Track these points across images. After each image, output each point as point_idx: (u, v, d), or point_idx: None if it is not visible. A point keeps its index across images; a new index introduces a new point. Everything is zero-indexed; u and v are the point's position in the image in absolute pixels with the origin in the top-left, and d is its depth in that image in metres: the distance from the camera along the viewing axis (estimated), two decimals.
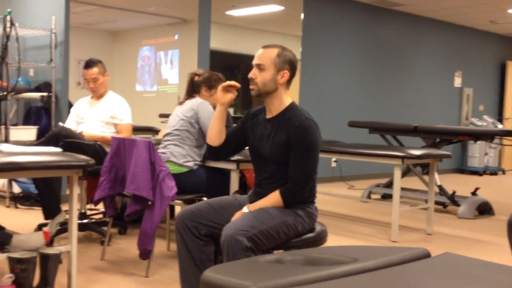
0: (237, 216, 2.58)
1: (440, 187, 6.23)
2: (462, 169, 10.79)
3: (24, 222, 4.86)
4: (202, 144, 3.81)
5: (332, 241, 3.92)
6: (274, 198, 2.62)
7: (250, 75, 2.68)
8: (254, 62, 2.69)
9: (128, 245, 4.24)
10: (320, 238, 2.71)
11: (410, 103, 9.85)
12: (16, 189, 5.62)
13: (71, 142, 4.00)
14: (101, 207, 4.37)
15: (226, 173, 3.79)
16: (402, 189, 5.87)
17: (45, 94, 5.79)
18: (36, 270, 2.89)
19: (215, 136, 2.84)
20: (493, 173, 10.74)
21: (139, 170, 3.40)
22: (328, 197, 6.73)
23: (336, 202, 6.69)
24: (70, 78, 6.04)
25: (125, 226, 4.60)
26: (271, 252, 2.55)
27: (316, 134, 2.62)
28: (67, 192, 3.02)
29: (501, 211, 6.32)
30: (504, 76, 11.69)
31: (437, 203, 5.97)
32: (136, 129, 5.46)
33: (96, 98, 4.56)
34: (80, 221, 4.30)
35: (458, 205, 6.04)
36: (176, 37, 7.75)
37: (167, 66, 7.68)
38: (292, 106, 2.71)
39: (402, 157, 4.64)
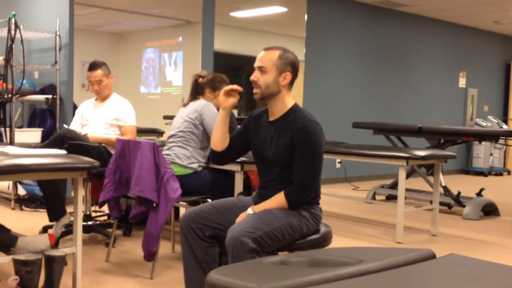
0: (241, 217, 2.58)
1: (445, 188, 6.22)
2: (467, 170, 10.76)
3: (29, 224, 4.87)
4: (206, 146, 3.81)
5: (336, 242, 3.92)
6: (278, 199, 2.62)
7: (252, 77, 2.67)
8: (256, 64, 2.68)
9: (133, 247, 4.25)
10: (325, 240, 2.71)
11: (415, 103, 9.83)
12: (21, 191, 5.64)
13: (75, 144, 4.01)
14: (105, 209, 4.39)
15: (230, 175, 3.79)
16: (407, 190, 5.86)
17: (49, 96, 5.80)
18: (41, 272, 2.90)
19: (219, 140, 2.83)
20: (498, 173, 10.71)
21: (144, 172, 3.40)
22: (333, 198, 6.72)
23: (341, 203, 6.68)
24: (75, 80, 6.06)
25: (130, 228, 4.60)
26: (276, 253, 2.55)
27: (320, 135, 2.62)
28: (72, 194, 3.03)
29: (507, 211, 6.30)
30: (509, 76, 11.66)
31: (442, 204, 5.96)
32: (141, 131, 5.46)
33: (101, 100, 4.56)
34: (85, 223, 4.32)
35: (463, 206, 6.03)
36: (180, 39, 7.76)
37: (171, 68, 7.69)
38: (294, 107, 2.70)
39: (407, 158, 4.63)
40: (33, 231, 4.32)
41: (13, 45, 5.19)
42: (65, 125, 4.81)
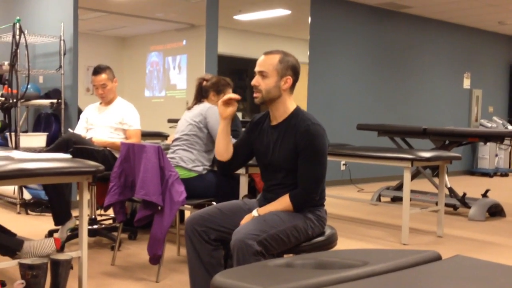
0: (246, 219, 2.57)
1: (450, 189, 6.20)
2: (473, 171, 10.73)
3: (35, 228, 4.88)
4: (211, 149, 3.82)
5: (342, 244, 3.91)
6: (283, 202, 2.61)
7: (253, 82, 2.66)
8: (256, 69, 2.67)
9: (138, 250, 4.25)
10: (330, 242, 2.71)
11: (419, 105, 9.82)
12: (27, 195, 5.65)
13: (80, 148, 4.02)
14: (111, 212, 4.39)
15: (235, 178, 3.79)
16: (412, 191, 5.85)
17: (54, 100, 5.82)
18: (47, 276, 2.90)
19: (224, 151, 2.82)
20: (504, 174, 10.67)
21: (149, 175, 3.41)
22: (338, 200, 6.71)
23: (346, 205, 6.67)
24: (79, 85, 6.07)
25: (135, 231, 4.61)
26: (282, 256, 2.55)
27: (323, 138, 2.61)
28: (77, 198, 3.03)
29: None
30: None
31: (447, 205, 5.94)
32: (145, 135, 5.47)
33: (105, 104, 4.57)
34: (90, 227, 4.32)
35: (469, 207, 6.01)
36: (184, 42, 7.77)
37: (175, 71, 7.70)
38: (297, 111, 2.70)
39: (412, 160, 4.62)
40: (39, 235, 4.32)
41: (18, 50, 5.20)
42: (70, 129, 4.82)
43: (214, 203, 3.55)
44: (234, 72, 7.64)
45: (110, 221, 4.80)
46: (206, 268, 2.64)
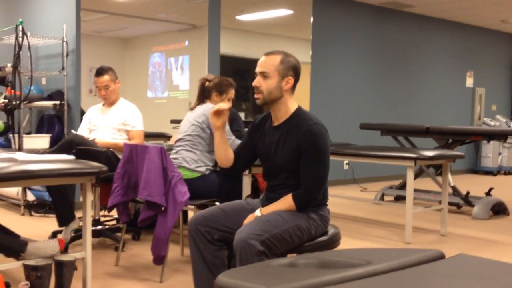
0: (249, 219, 2.58)
1: (453, 188, 6.20)
2: (476, 169, 10.71)
3: (39, 229, 4.89)
4: (214, 149, 3.81)
5: (345, 243, 3.91)
6: (286, 202, 2.61)
7: (255, 83, 2.66)
8: (258, 70, 2.66)
9: (142, 251, 4.26)
10: (333, 241, 2.71)
11: (422, 104, 9.81)
12: (31, 197, 5.66)
13: (83, 149, 4.02)
14: (114, 213, 4.40)
15: (238, 178, 3.79)
16: (415, 190, 5.84)
17: (57, 102, 5.83)
18: (51, 277, 2.91)
19: (224, 158, 2.84)
20: (507, 173, 10.65)
21: (152, 176, 3.41)
22: (341, 200, 6.71)
23: (349, 204, 6.67)
24: (82, 86, 6.08)
25: (139, 232, 4.61)
26: (285, 256, 2.55)
27: (326, 138, 2.61)
28: (81, 199, 3.04)
29: None
30: None
31: (451, 204, 5.93)
32: (148, 135, 5.48)
33: (108, 105, 4.58)
34: (94, 228, 4.33)
35: (472, 206, 6.00)
36: (186, 43, 7.78)
37: (177, 72, 7.70)
38: (298, 111, 2.69)
39: (415, 159, 4.62)
40: (43, 237, 4.33)
41: (21, 52, 5.22)
42: (73, 131, 4.83)
43: (217, 203, 3.56)
44: (237, 72, 7.64)
45: (114, 222, 4.81)
46: (210, 268, 2.64)
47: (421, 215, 5.89)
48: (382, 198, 6.71)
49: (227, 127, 3.80)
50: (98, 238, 4.53)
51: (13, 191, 5.74)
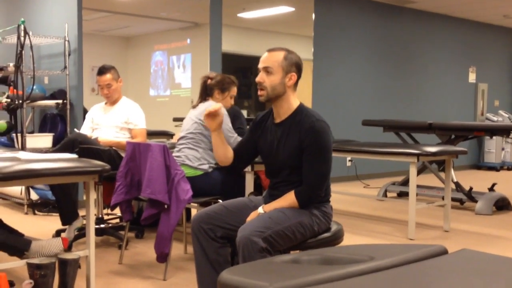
0: (252, 216, 2.58)
1: (456, 183, 6.19)
2: (479, 165, 10.70)
3: (42, 228, 4.91)
4: None
5: (348, 240, 3.91)
6: (289, 199, 2.62)
7: (258, 79, 2.66)
8: (261, 65, 2.66)
9: (145, 249, 4.26)
10: (336, 238, 2.71)
11: (425, 100, 9.79)
12: (34, 196, 5.68)
13: (86, 148, 4.03)
14: (117, 211, 4.40)
15: (241, 175, 3.79)
16: (418, 186, 5.84)
17: (60, 101, 5.84)
18: (55, 276, 2.92)
19: (223, 158, 2.85)
20: (510, 168, 10.63)
21: (155, 174, 3.42)
22: (344, 196, 6.71)
23: (352, 201, 6.67)
24: (84, 85, 6.09)
25: (142, 230, 4.62)
26: (288, 252, 2.55)
27: (328, 135, 2.61)
28: (84, 197, 3.04)
29: None
30: None
31: (454, 199, 5.93)
32: (151, 134, 5.48)
33: (110, 104, 4.59)
34: (97, 226, 4.34)
35: (476, 201, 6.00)
36: (188, 41, 7.78)
37: (179, 70, 7.70)
38: (300, 108, 2.69)
39: (418, 155, 4.62)
40: (46, 235, 4.34)
41: (23, 52, 5.23)
42: (75, 130, 4.84)
43: (220, 200, 3.56)
44: (239, 70, 7.64)
45: (117, 220, 4.82)
46: (213, 266, 2.65)
47: (424, 211, 5.88)
48: (385, 195, 6.71)
49: (229, 124, 3.81)
50: (102, 236, 4.54)
51: (16, 190, 5.75)
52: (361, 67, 8.78)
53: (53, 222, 4.97)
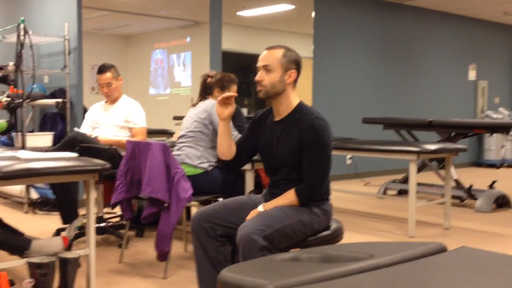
0: (252, 215, 2.58)
1: (456, 181, 6.19)
2: (479, 162, 10.70)
3: (43, 227, 4.91)
4: (216, 145, 3.82)
5: (348, 238, 3.91)
6: (289, 197, 2.62)
7: (257, 77, 2.66)
8: (260, 64, 2.67)
9: (145, 248, 4.27)
10: (336, 236, 2.71)
11: (425, 97, 9.79)
12: (34, 195, 5.68)
13: (86, 147, 4.03)
14: (118, 210, 4.41)
15: (241, 174, 3.80)
16: (418, 184, 5.84)
17: (60, 100, 5.84)
18: (55, 275, 2.92)
19: (226, 151, 2.83)
20: (510, 165, 10.63)
21: (155, 172, 3.42)
22: (344, 194, 6.72)
23: (352, 199, 6.67)
24: (84, 84, 6.09)
25: (142, 228, 4.62)
26: (288, 250, 2.55)
27: (328, 132, 2.62)
28: (84, 196, 3.04)
29: None
30: None
31: (454, 197, 5.93)
32: (151, 132, 5.48)
33: (110, 102, 4.59)
34: (97, 225, 4.35)
35: (476, 199, 6.00)
36: (188, 39, 7.78)
37: (179, 68, 7.71)
38: (300, 106, 2.70)
39: (418, 152, 4.62)
40: (47, 234, 4.35)
41: (23, 51, 5.23)
42: (75, 128, 4.84)
43: (220, 199, 3.56)
44: (239, 68, 7.64)
45: (117, 219, 4.82)
46: (213, 264, 2.65)
47: (424, 208, 5.89)
48: (385, 192, 6.71)
49: (230, 122, 3.80)
50: (102, 235, 4.54)
51: (16, 189, 5.76)
52: (361, 65, 8.78)
53: (53, 221, 4.97)
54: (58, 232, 4.37)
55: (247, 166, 3.66)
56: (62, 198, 4.09)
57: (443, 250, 1.75)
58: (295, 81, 2.70)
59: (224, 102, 2.75)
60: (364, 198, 6.77)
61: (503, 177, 8.56)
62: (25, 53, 5.35)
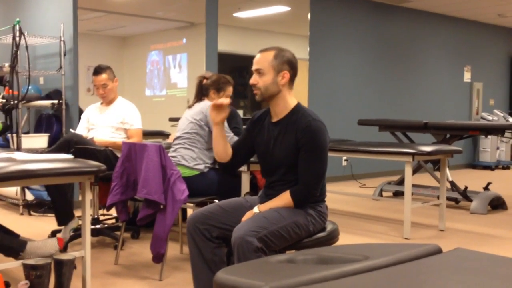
0: (247, 216, 2.58)
1: (452, 183, 6.21)
2: (474, 164, 10.73)
3: (38, 229, 4.90)
4: (212, 147, 3.82)
5: (344, 239, 3.92)
6: (284, 198, 2.62)
7: (251, 81, 2.67)
8: (253, 67, 2.68)
9: (141, 249, 4.26)
10: (332, 237, 2.72)
11: (420, 99, 9.81)
12: (29, 196, 5.67)
13: (82, 148, 4.03)
14: (113, 212, 4.40)
15: (237, 175, 3.80)
16: (414, 186, 5.85)
17: (55, 101, 5.83)
18: (50, 276, 2.92)
19: (223, 153, 2.83)
20: (505, 167, 10.67)
21: (151, 174, 3.42)
22: (340, 196, 6.73)
23: (348, 200, 6.68)
24: (80, 85, 6.08)
25: (138, 230, 4.62)
26: (283, 252, 2.55)
27: (324, 134, 2.62)
28: (80, 198, 3.04)
29: None
30: None
31: (449, 199, 5.95)
32: (147, 134, 5.48)
33: (106, 104, 4.58)
34: (93, 227, 4.34)
35: (471, 201, 6.02)
36: (184, 40, 7.78)
37: (175, 70, 7.71)
38: (297, 107, 2.70)
39: (413, 154, 4.63)
40: (42, 236, 4.34)
41: (18, 52, 5.22)
42: (71, 130, 4.84)
43: (216, 200, 3.56)
44: (235, 70, 7.64)
45: (113, 221, 4.82)
46: (209, 266, 2.65)
47: (420, 210, 5.90)
48: (380, 194, 6.72)
49: (225, 124, 3.81)
50: (97, 237, 4.53)
51: (12, 190, 5.74)
52: (357, 67, 8.79)
53: (49, 222, 4.96)
54: (53, 233, 4.36)
55: (243, 168, 3.66)
56: (57, 200, 4.08)
57: (438, 251, 1.76)
58: (291, 81, 2.70)
59: (218, 107, 2.75)
60: (360, 199, 6.78)
61: (498, 179, 8.58)
62: (21, 54, 5.34)
